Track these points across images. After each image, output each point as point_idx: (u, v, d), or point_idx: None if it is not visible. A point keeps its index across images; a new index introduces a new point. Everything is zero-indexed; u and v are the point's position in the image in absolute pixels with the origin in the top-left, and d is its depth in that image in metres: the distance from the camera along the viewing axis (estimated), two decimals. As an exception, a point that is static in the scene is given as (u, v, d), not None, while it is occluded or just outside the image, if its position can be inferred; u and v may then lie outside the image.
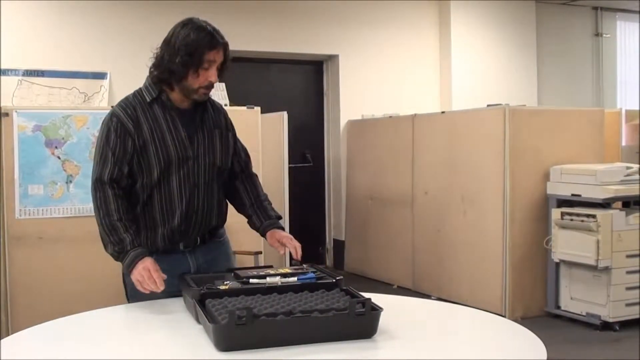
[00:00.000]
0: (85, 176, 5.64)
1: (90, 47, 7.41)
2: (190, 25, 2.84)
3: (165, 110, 2.90)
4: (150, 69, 2.93)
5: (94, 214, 2.84)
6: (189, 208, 2.91)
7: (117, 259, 2.81)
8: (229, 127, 3.10)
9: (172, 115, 2.90)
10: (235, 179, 3.15)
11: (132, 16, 7.61)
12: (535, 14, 9.78)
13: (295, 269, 2.76)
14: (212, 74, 2.83)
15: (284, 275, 2.64)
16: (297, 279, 2.61)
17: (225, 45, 2.85)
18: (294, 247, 2.93)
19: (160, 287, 2.65)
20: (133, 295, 2.89)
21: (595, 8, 10.58)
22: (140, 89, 2.97)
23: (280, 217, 3.12)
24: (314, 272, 2.71)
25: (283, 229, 3.08)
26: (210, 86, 2.87)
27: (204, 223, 2.96)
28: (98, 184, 2.83)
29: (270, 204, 3.16)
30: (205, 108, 3.01)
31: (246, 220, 3.16)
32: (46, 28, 7.25)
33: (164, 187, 2.87)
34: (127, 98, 2.96)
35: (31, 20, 7.19)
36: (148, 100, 2.90)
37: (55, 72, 7.14)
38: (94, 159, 2.89)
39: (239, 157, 3.16)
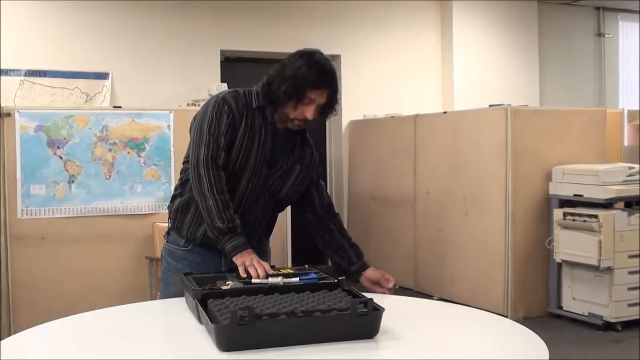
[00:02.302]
0: (87, 176, 5.66)
1: (92, 48, 7.41)
2: (307, 57, 2.81)
3: (264, 122, 2.90)
4: (264, 78, 2.91)
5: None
6: (241, 218, 2.89)
7: (221, 233, 2.79)
8: (311, 165, 3.09)
9: (268, 130, 2.90)
10: (323, 217, 3.12)
11: (134, 17, 7.62)
12: (537, 14, 9.77)
13: (297, 270, 2.76)
14: (310, 110, 2.83)
15: (286, 276, 2.64)
16: (299, 280, 2.61)
17: (332, 88, 2.84)
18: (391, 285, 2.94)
19: (262, 275, 2.65)
20: (165, 285, 3.05)
21: (598, 8, 10.58)
22: (250, 90, 2.95)
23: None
24: (315, 273, 2.71)
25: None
26: (305, 120, 2.87)
27: (249, 235, 2.93)
28: (212, 163, 2.81)
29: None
30: (298, 140, 3.02)
31: (330, 256, 3.14)
32: (48, 28, 7.26)
33: (230, 188, 2.87)
34: (237, 92, 2.94)
35: (33, 20, 7.20)
36: (254, 105, 2.90)
37: (57, 72, 7.15)
38: (203, 137, 2.84)
39: (322, 197, 3.14)
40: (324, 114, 2.92)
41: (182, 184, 3.01)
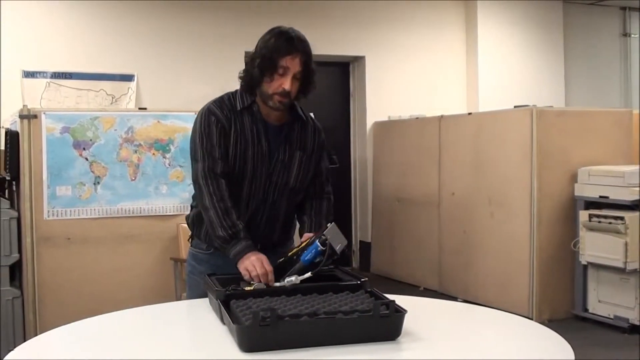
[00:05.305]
0: (113, 177, 5.69)
1: (117, 50, 7.47)
2: (274, 31, 2.83)
3: (253, 121, 2.90)
4: (239, 74, 2.93)
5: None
6: (251, 220, 2.91)
7: (224, 242, 2.80)
8: (315, 148, 3.05)
9: (259, 127, 2.90)
10: (306, 197, 3.09)
11: (159, 19, 7.66)
12: (563, 14, 9.71)
13: (302, 243, 2.77)
14: (286, 81, 2.79)
15: (294, 255, 2.67)
16: (304, 259, 2.64)
17: (303, 53, 2.80)
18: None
19: (270, 281, 2.65)
20: (189, 288, 3.07)
21: (623, 8, 10.49)
22: (233, 93, 2.97)
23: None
24: (318, 239, 2.69)
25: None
26: (285, 94, 2.80)
27: (264, 236, 2.95)
28: (211, 174, 2.82)
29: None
30: (293, 126, 2.98)
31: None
32: (74, 31, 7.32)
33: (234, 194, 2.88)
34: (221, 98, 2.96)
35: (59, 23, 7.26)
36: (239, 108, 2.91)
37: (83, 74, 7.21)
38: (197, 152, 2.88)
39: (318, 179, 3.11)
40: (304, 88, 2.88)
41: (195, 196, 3.04)
